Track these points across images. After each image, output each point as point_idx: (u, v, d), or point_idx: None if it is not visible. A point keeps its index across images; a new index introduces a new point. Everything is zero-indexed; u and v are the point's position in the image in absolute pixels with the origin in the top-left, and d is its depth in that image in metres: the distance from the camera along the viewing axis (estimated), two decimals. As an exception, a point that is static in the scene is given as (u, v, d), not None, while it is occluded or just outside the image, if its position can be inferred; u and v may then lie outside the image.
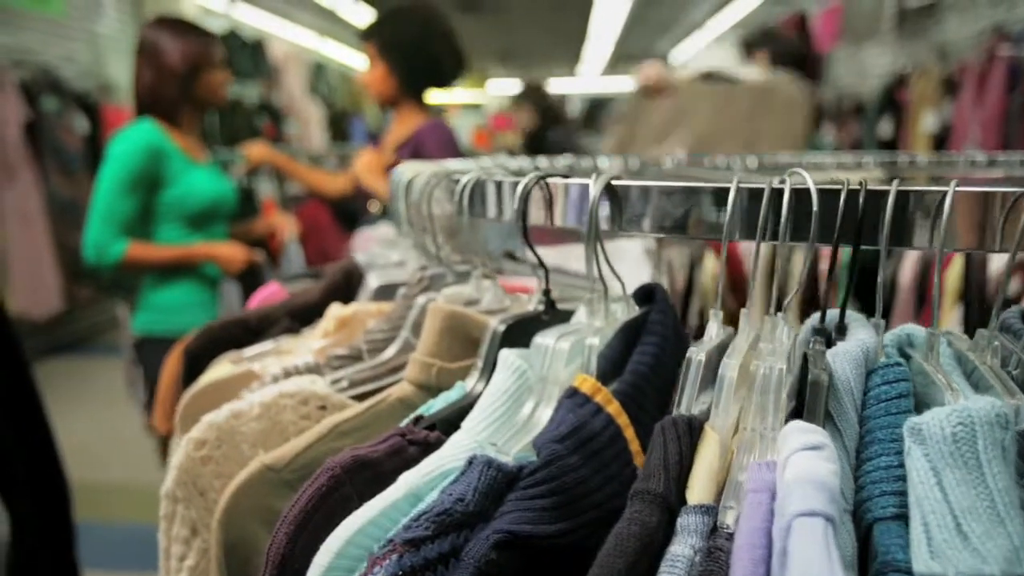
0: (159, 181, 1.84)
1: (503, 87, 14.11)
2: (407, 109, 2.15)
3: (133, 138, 1.82)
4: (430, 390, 0.59)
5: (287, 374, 0.68)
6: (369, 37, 2.13)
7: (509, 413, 0.51)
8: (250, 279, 1.95)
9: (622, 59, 12.68)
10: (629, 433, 0.51)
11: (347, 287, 0.86)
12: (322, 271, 0.99)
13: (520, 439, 0.51)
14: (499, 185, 0.60)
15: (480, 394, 0.56)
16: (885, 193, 0.44)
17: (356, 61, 10.37)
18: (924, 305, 1.32)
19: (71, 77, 4.85)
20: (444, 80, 2.17)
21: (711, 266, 1.30)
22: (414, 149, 2.06)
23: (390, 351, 0.64)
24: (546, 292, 0.59)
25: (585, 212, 0.56)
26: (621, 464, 0.49)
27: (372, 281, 0.78)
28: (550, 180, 0.57)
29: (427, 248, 0.77)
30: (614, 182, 0.53)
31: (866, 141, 4.94)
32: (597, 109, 15.28)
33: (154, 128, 1.85)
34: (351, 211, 2.82)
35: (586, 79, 14.60)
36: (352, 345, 0.70)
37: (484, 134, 10.68)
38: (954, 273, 1.20)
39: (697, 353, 0.48)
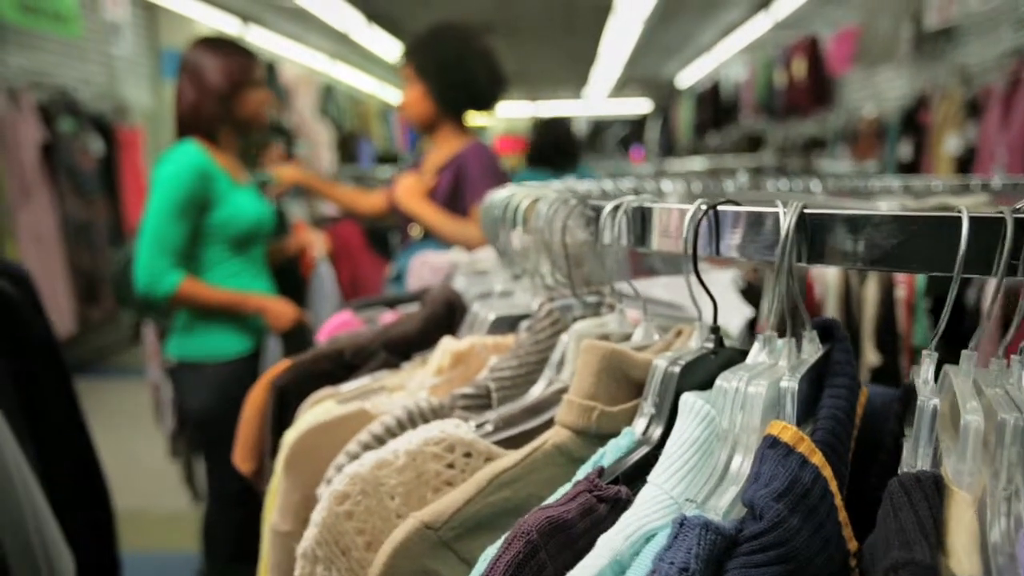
0: (208, 203, 1.79)
1: (509, 109, 14.16)
2: (446, 131, 2.12)
3: (181, 160, 1.77)
4: (589, 436, 0.53)
5: (410, 416, 0.63)
6: (406, 58, 2.11)
7: (700, 464, 0.46)
8: (295, 339, 1.88)
9: (629, 82, 12.74)
10: (834, 487, 0.46)
11: (448, 318, 0.80)
12: (420, 297, 0.94)
13: (720, 495, 0.45)
14: (661, 213, 0.55)
15: (657, 442, 0.51)
16: None
17: (365, 83, 10.41)
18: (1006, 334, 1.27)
19: (87, 99, 4.84)
20: (482, 101, 2.14)
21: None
22: (457, 171, 2.02)
23: (536, 390, 0.59)
24: (714, 329, 0.54)
25: (762, 241, 0.51)
26: (832, 524, 0.44)
27: (487, 314, 0.73)
28: (721, 208, 0.53)
29: (548, 278, 0.72)
30: (807, 211, 0.48)
31: (886, 164, 4.92)
32: (602, 131, 15.38)
33: (199, 149, 1.81)
34: (383, 233, 2.78)
35: (592, 102, 14.66)
36: (477, 383, 0.65)
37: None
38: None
39: (929, 401, 0.43)
